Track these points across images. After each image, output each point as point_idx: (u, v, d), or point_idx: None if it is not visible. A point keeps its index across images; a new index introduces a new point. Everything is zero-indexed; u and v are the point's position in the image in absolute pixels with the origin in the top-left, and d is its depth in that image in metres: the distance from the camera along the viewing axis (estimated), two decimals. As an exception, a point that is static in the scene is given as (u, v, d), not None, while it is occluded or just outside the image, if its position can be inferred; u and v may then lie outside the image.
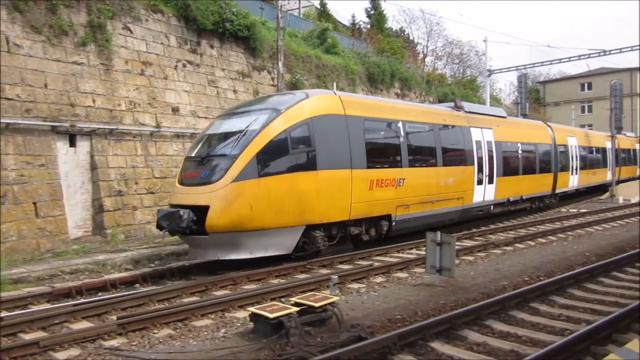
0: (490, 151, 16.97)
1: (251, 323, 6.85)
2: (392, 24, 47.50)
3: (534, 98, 57.97)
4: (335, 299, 7.11)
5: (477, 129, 16.59)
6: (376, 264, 11.20)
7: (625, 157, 33.60)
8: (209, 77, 17.91)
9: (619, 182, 30.78)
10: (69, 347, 6.49)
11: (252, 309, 6.80)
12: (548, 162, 21.19)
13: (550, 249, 12.94)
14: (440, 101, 33.90)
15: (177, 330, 7.15)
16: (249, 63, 19.93)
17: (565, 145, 23.18)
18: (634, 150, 36.56)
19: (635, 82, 57.37)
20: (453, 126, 15.65)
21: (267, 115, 10.64)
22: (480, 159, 16.34)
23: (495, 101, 44.47)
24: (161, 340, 6.76)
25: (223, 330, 7.07)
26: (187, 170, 10.72)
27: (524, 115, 29.61)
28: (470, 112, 16.95)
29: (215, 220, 9.67)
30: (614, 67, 54.71)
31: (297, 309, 6.64)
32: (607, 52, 30.54)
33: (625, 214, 19.53)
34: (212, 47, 18.33)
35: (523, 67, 36.06)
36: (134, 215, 14.52)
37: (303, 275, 10.47)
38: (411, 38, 47.87)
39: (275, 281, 10.03)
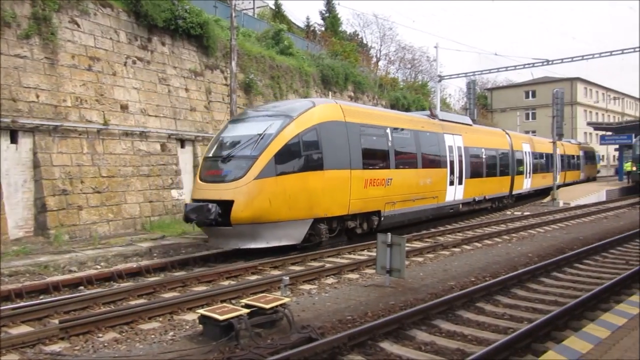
0: (460, 156, 18.67)
1: (200, 325, 6.74)
2: (346, 27, 47.95)
3: (482, 104, 59.84)
4: (286, 300, 7.09)
5: (449, 135, 18.32)
6: (328, 265, 11.26)
7: (570, 163, 36.49)
8: (159, 75, 17.52)
9: (562, 185, 33.04)
10: (7, 352, 6.20)
11: (201, 311, 6.69)
12: (507, 166, 23.25)
13: (495, 250, 13.36)
14: (392, 105, 34.47)
15: (123, 334, 6.95)
16: (201, 61, 19.63)
17: (521, 151, 25.31)
18: (578, 156, 39.47)
19: (575, 91, 60.21)
20: (430, 133, 17.19)
21: (281, 121, 11.88)
22: (452, 163, 18.02)
23: (446, 106, 45.55)
24: (106, 344, 6.55)
25: (171, 333, 6.92)
26: (209, 169, 11.91)
27: (473, 121, 30.48)
28: (443, 120, 18.80)
29: (240, 213, 10.87)
30: (557, 77, 57.24)
31: (247, 310, 6.58)
32: (550, 62, 31.92)
33: (565, 217, 20.42)
34: (163, 44, 17.95)
35: (472, 73, 37.19)
36: (79, 215, 14.03)
37: (254, 277, 10.39)
38: (365, 42, 48.44)
39: (226, 283, 9.92)
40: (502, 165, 22.63)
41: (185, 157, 17.95)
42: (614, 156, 58.62)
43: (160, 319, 7.57)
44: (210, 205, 10.76)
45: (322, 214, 12.41)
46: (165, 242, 13.67)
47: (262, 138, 11.49)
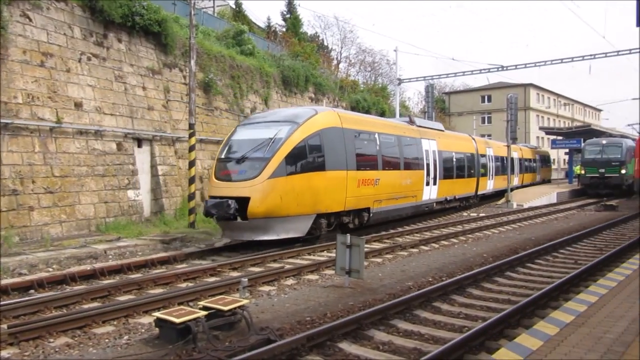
0: (434, 159, 20.44)
1: (156, 329, 6.61)
2: (308, 28, 48.02)
3: (440, 108, 61.04)
4: (245, 302, 7.04)
5: (426, 140, 20.03)
6: (287, 266, 11.24)
7: (528, 166, 39.08)
8: (116, 72, 17.08)
9: (520, 187, 36.03)
10: (-50, 360, 5.92)
11: (157, 314, 6.56)
12: (473, 168, 25.32)
13: (452, 250, 13.64)
14: (353, 108, 34.74)
15: (76, 339, 6.74)
16: (159, 60, 19.26)
17: (485, 155, 27.64)
18: (535, 159, 42.08)
19: (528, 97, 62.18)
20: (410, 138, 18.92)
21: (289, 127, 13.19)
22: (428, 165, 19.72)
23: (405, 109, 46.20)
24: (57, 349, 6.34)
25: (126, 337, 6.76)
26: (224, 169, 13.15)
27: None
28: (420, 126, 20.41)
29: (255, 209, 12.18)
30: (511, 82, 58.97)
31: (205, 313, 6.50)
32: (505, 68, 32.87)
33: (518, 218, 21.05)
34: (120, 40, 17.52)
35: (430, 77, 37.85)
36: (30, 216, 13.51)
37: (213, 279, 10.27)
38: (326, 44, 48.64)
39: (184, 285, 9.76)
40: (469, 167, 24.63)
41: (142, 157, 17.56)
42: (564, 160, 60.88)
43: (115, 323, 7.38)
44: (230, 202, 12.06)
45: (323, 209, 13.81)
46: (121, 243, 13.34)
47: (273, 142, 12.82)
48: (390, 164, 17.16)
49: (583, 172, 33.93)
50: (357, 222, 15.61)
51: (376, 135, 16.45)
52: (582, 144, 36.22)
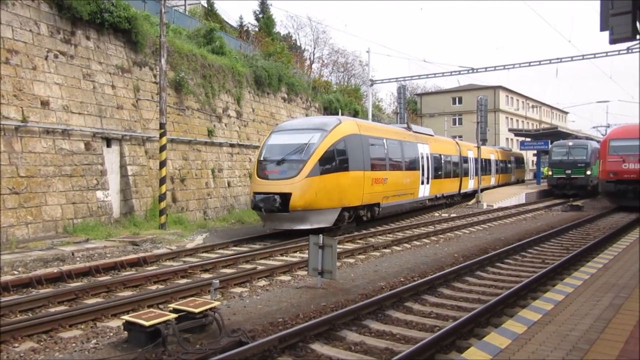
0: (427, 160, 22.84)
1: (125, 332, 6.48)
2: (280, 28, 47.93)
3: (412, 109, 61.59)
4: (216, 303, 6.97)
5: (420, 144, 22.50)
6: (260, 267, 11.18)
7: (503, 167, 41.59)
8: (84, 70, 16.72)
9: (497, 186, 38.51)
10: None
11: (126, 317, 6.44)
12: (457, 169, 27.91)
13: (424, 250, 13.78)
14: (325, 108, 34.81)
15: (42, 343, 6.57)
16: (129, 58, 18.93)
17: (467, 157, 30.29)
18: (510, 161, 44.59)
19: (498, 99, 63.32)
20: (409, 142, 21.42)
21: (319, 134, 15.49)
22: (422, 166, 22.14)
23: (378, 110, 46.53)
24: (22, 354, 6.17)
25: (94, 341, 6.62)
26: (265, 169, 15.32)
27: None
28: (416, 132, 23.15)
29: (296, 203, 14.38)
30: (481, 85, 59.96)
31: (175, 315, 6.40)
32: (475, 70, 33.40)
33: (489, 219, 21.40)
34: (88, 38, 17.15)
35: (402, 78, 38.18)
36: (-8, 218, 13.10)
37: (184, 281, 10.15)
38: (299, 44, 48.61)
39: (154, 287, 9.62)
40: (454, 169, 27.36)
41: (111, 157, 17.23)
42: (532, 161, 62.16)
43: (82, 327, 7.22)
44: (275, 196, 14.30)
45: (346, 204, 16.10)
46: (89, 245, 13.07)
47: (307, 146, 15.08)
48: (395, 165, 19.67)
49: (550, 173, 34.69)
50: (369, 215, 17.98)
51: (384, 141, 19.03)
52: (550, 146, 37.04)
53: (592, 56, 30.00)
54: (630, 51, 26.34)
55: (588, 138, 41.60)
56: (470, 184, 30.59)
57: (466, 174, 29.73)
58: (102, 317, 7.53)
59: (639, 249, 9.32)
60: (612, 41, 8.23)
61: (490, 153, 37.36)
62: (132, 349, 6.16)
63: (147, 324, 6.01)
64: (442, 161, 25.34)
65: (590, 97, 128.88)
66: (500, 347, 4.75)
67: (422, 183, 22.10)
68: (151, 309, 7.21)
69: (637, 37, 8.29)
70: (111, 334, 6.90)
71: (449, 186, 26.49)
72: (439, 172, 24.62)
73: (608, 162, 24.68)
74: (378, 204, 18.24)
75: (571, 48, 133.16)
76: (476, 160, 30.93)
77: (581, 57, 30.29)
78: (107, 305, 7.86)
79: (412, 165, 21.25)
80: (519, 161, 50.05)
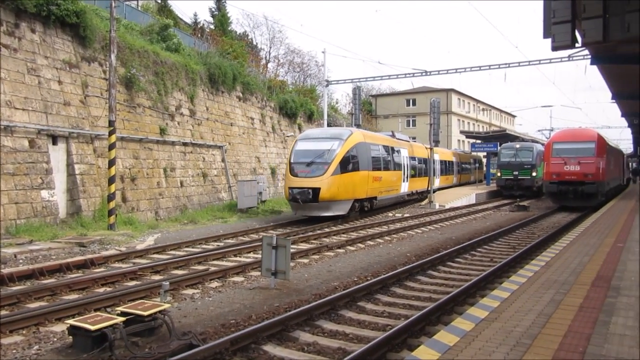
0: (407, 162, 27.27)
1: (70, 337, 6.26)
2: (236, 27, 47.42)
3: (367, 110, 62.18)
4: (166, 306, 6.82)
5: (402, 148, 26.99)
6: (212, 268, 11.03)
7: (464, 168, 46.33)
8: (29, 65, 16.04)
9: (458, 185, 42.28)
10: None
11: (71, 321, 6.21)
12: (427, 170, 31.72)
13: (377, 250, 13.94)
14: (281, 108, 34.73)
15: (-22, 351, 6.25)
16: (77, 53, 18.29)
17: (434, 160, 33.54)
18: (470, 162, 48.18)
19: (450, 102, 64.82)
20: (394, 147, 25.73)
21: (338, 142, 19.96)
22: (403, 167, 26.56)
23: (333, 111, 46.72)
24: (-44, 363, 5.85)
25: (36, 347, 6.35)
26: (298, 169, 19.53)
27: (357, 126, 32.06)
28: (399, 139, 27.81)
29: (324, 195, 18.74)
30: (434, 87, 61.21)
31: (123, 318, 6.23)
32: (428, 73, 34.08)
33: (440, 219, 21.87)
34: (33, 31, 16.46)
35: (358, 80, 38.51)
36: None
37: (133, 283, 9.89)
38: (255, 43, 48.25)
39: (102, 290, 9.33)
40: (425, 169, 31.55)
41: (57, 155, 16.59)
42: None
43: (24, 332, 6.93)
44: (309, 190, 18.59)
45: (357, 197, 20.60)
46: (33, 247, 12.56)
47: (330, 152, 19.51)
48: (386, 167, 24.01)
49: (499, 174, 35.81)
50: (369, 206, 22.45)
51: (380, 147, 23.62)
52: (498, 148, 38.17)
53: (538, 62, 31.15)
54: (571, 59, 27.51)
55: (534, 141, 43.17)
56: (437, 182, 35.10)
57: (434, 173, 33.71)
58: (45, 322, 7.24)
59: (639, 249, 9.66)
60: (554, 48, 8.59)
61: (452, 155, 42.38)
62: (77, 354, 5.95)
63: (93, 328, 5.81)
64: (417, 163, 29.95)
65: (536, 102, 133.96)
66: (449, 345, 4.85)
67: (403, 181, 26.57)
68: (98, 313, 6.98)
69: (576, 45, 8.67)
70: (55, 339, 6.64)
71: (421, 184, 30.85)
72: (414, 172, 29.16)
73: (551, 164, 25.64)
74: (375, 198, 22.84)
75: (519, 54, 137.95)
76: (446, 162, 34.45)
77: (527, 63, 31.40)
78: (51, 309, 7.57)
79: (397, 166, 25.69)
80: (479, 163, 53.11)
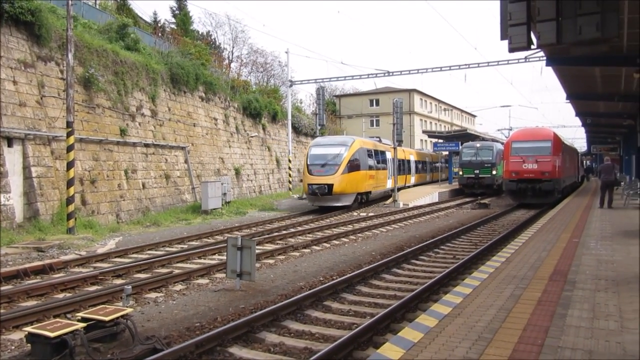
0: (392, 163, 31.48)
1: (28, 345, 6.06)
2: (198, 26, 46.86)
3: (331, 110, 62.39)
4: (128, 310, 6.69)
5: (387, 152, 31.54)
6: (176, 271, 10.88)
7: (434, 167, 49.78)
8: (-19, 64, 15.46)
9: (429, 182, 45.89)
10: None
11: (29, 328, 6.03)
12: (408, 169, 38.18)
13: (342, 249, 14.02)
14: (245, 108, 34.50)
15: None
16: (32, 52, 17.72)
17: (409, 160, 39.74)
18: (439, 161, 50.73)
19: (413, 102, 65.73)
20: (382, 150, 30.56)
21: (344, 147, 25.21)
22: (388, 167, 31.41)
23: (297, 111, 46.66)
24: None
25: (-8, 356, 6.14)
26: (314, 169, 24.58)
27: (322, 126, 32.30)
28: (384, 144, 32.32)
29: (336, 189, 23.92)
30: (397, 87, 61.95)
31: (84, 324, 6.07)
32: (391, 73, 34.45)
33: (404, 217, 22.16)
34: (-15, 29, 15.88)
35: (321, 80, 38.61)
36: None
37: (94, 287, 9.66)
38: (217, 43, 47.77)
39: (61, 295, 9.07)
40: (406, 168, 37.48)
41: (12, 158, 16.03)
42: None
43: (-21, 341, 6.67)
44: (325, 186, 23.85)
45: (359, 191, 25.96)
46: (-14, 253, 12.09)
47: (338, 156, 24.72)
48: (378, 166, 28.94)
49: (461, 173, 36.48)
50: (366, 198, 27.60)
51: (372, 150, 28.54)
52: (460, 147, 38.88)
53: (496, 63, 31.93)
54: (527, 60, 28.38)
55: (494, 140, 44.09)
56: (412, 180, 40.41)
57: (409, 172, 39.63)
58: (2, 330, 7.00)
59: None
60: (511, 50, 8.82)
61: (425, 156, 47.63)
62: (35, 362, 5.77)
63: (52, 334, 5.65)
64: (399, 163, 33.85)
65: (495, 102, 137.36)
66: (413, 341, 4.93)
67: (388, 178, 31.50)
68: (57, 319, 6.80)
69: (532, 46, 8.93)
70: (12, 348, 6.44)
71: (402, 181, 36.02)
72: (398, 171, 32.91)
73: (510, 163, 26.20)
74: (370, 192, 27.96)
75: (478, 55, 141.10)
76: (422, 162, 39.14)
77: (486, 64, 32.16)
78: (7, 316, 7.32)
79: (384, 167, 30.62)
80: (446, 161, 53.51)
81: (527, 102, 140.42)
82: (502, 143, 38.09)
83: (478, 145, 36.65)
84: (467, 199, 33.35)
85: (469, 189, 35.77)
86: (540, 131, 28.87)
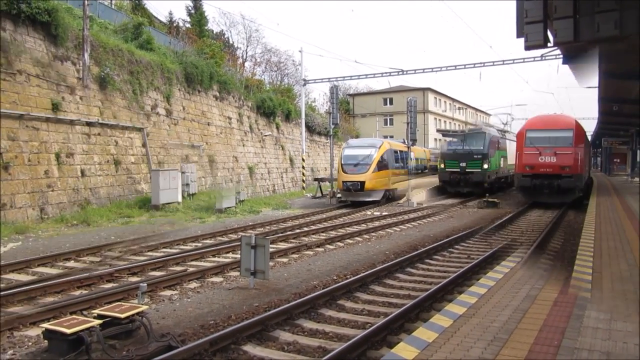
0: (412, 162, 32.83)
1: (45, 341, 6.14)
2: (213, 25, 47.08)
3: (344, 109, 62.31)
4: (143, 308, 6.74)
5: (410, 152, 31.96)
6: (190, 269, 10.94)
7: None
8: (-1, 64, 15.67)
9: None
10: None
11: (46, 324, 6.10)
12: (425, 167, 40.44)
13: (356, 249, 13.98)
14: (258, 107, 34.59)
15: (-51, 357, 6.09)
16: (49, 52, 17.95)
17: (425, 159, 42.26)
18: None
19: (427, 101, 65.37)
20: (405, 151, 31.01)
21: (374, 149, 27.31)
22: (409, 166, 31.72)
23: (311, 110, 46.72)
24: None
25: (10, 352, 6.22)
26: (347, 168, 26.67)
27: (335, 125, 32.11)
28: (406, 145, 31.89)
29: (367, 186, 26.18)
30: (411, 86, 61.67)
31: (100, 321, 6.14)
32: (405, 72, 34.32)
33: (418, 216, 22.01)
34: (3, 29, 16.11)
35: (335, 79, 38.55)
36: None
37: (110, 285, 9.74)
38: (231, 42, 47.97)
39: (77, 292, 9.17)
40: (422, 166, 39.63)
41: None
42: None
43: (-4, 337, 6.76)
44: (358, 183, 25.96)
45: (387, 188, 27.99)
46: None
47: (369, 156, 26.78)
48: (401, 166, 30.50)
49: (442, 166, 29.79)
50: (392, 195, 29.06)
51: (398, 151, 30.40)
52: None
53: (511, 62, 31.64)
54: (543, 58, 27.45)
55: (487, 124, 38.64)
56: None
57: (426, 169, 41.25)
58: (19, 326, 7.10)
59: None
60: (527, 47, 8.73)
61: (430, 154, 47.28)
62: (52, 358, 5.84)
63: (68, 331, 5.72)
64: (418, 161, 37.63)
65: (511, 100, 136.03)
66: (428, 341, 4.89)
67: (409, 176, 33.58)
68: (74, 316, 6.88)
69: (548, 44, 8.82)
70: (30, 344, 6.51)
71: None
72: (416, 169, 35.18)
73: (524, 155, 22.94)
74: (395, 189, 29.43)
75: (493, 53, 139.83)
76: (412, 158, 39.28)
77: (501, 63, 31.88)
78: (25, 313, 7.40)
79: (406, 166, 31.56)
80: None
81: (542, 101, 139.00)
82: (499, 129, 34.90)
83: (466, 131, 31.24)
84: (458, 199, 28.53)
85: (453, 186, 29.61)
86: (560, 118, 24.78)
